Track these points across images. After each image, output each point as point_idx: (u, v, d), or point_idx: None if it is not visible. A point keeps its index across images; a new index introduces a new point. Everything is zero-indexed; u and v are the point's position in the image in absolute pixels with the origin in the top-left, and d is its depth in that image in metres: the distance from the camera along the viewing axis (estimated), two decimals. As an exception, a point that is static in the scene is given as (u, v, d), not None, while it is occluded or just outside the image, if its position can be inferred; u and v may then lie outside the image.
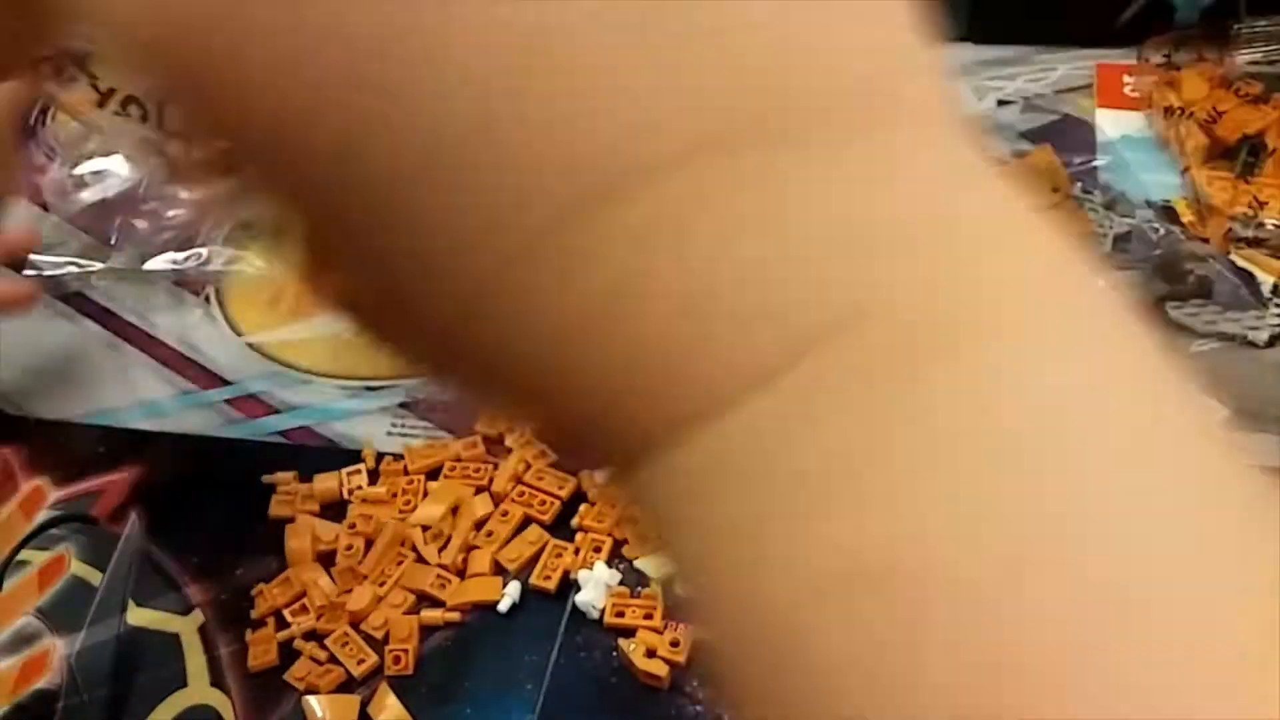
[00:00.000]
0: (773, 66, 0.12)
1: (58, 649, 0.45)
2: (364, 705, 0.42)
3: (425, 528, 0.46)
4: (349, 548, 0.46)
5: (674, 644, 0.42)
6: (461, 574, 0.45)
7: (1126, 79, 0.65)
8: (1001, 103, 0.66)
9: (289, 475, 0.49)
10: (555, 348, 0.12)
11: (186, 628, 0.45)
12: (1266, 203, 0.54)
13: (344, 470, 0.49)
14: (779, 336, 0.12)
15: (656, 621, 0.43)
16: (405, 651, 0.43)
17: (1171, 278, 0.52)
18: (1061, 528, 0.11)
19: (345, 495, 0.48)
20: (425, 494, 0.48)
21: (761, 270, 0.12)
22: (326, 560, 0.46)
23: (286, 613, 0.45)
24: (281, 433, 0.53)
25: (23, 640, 0.46)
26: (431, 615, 0.44)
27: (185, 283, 0.61)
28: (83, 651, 0.45)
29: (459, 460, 0.49)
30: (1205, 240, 0.54)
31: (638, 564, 0.44)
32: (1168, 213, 0.56)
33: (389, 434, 0.52)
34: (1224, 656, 0.11)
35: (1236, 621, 0.11)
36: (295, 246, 0.14)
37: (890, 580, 0.11)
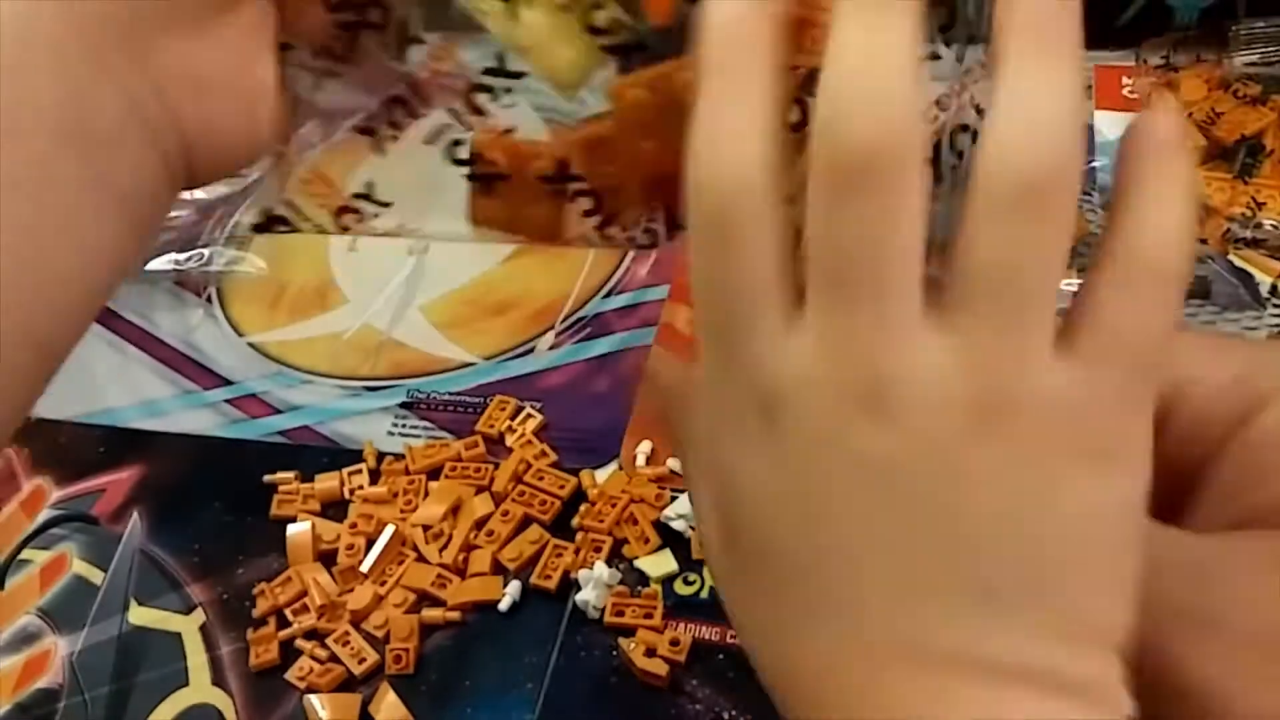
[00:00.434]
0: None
1: (59, 648, 0.45)
2: (365, 704, 0.42)
3: (426, 527, 0.47)
4: (350, 547, 0.46)
5: (674, 643, 0.42)
6: (462, 573, 0.45)
7: (1125, 80, 0.65)
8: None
9: (290, 475, 0.49)
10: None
11: (188, 627, 0.45)
12: (1265, 203, 0.54)
13: (345, 470, 0.49)
14: None
15: (656, 621, 0.43)
16: (406, 651, 0.43)
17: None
18: None
19: (346, 495, 0.49)
20: (426, 494, 0.48)
21: None
22: (327, 560, 0.46)
23: (287, 612, 0.45)
24: (282, 432, 0.53)
25: (24, 639, 0.46)
26: (432, 614, 0.44)
27: (187, 283, 0.61)
28: (84, 651, 0.45)
29: (459, 460, 0.49)
30: (1203, 241, 0.54)
31: (638, 564, 0.44)
32: (1166, 213, 0.56)
33: (389, 434, 0.52)
34: None
35: None
36: None
37: None
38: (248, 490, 0.49)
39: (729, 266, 0.19)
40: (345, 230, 0.28)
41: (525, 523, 0.47)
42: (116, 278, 0.25)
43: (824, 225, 0.19)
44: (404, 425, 0.52)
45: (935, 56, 0.24)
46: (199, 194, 0.66)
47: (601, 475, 0.48)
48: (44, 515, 0.50)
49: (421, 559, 0.46)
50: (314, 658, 0.43)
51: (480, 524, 0.47)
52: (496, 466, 0.49)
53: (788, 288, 0.19)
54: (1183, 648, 0.21)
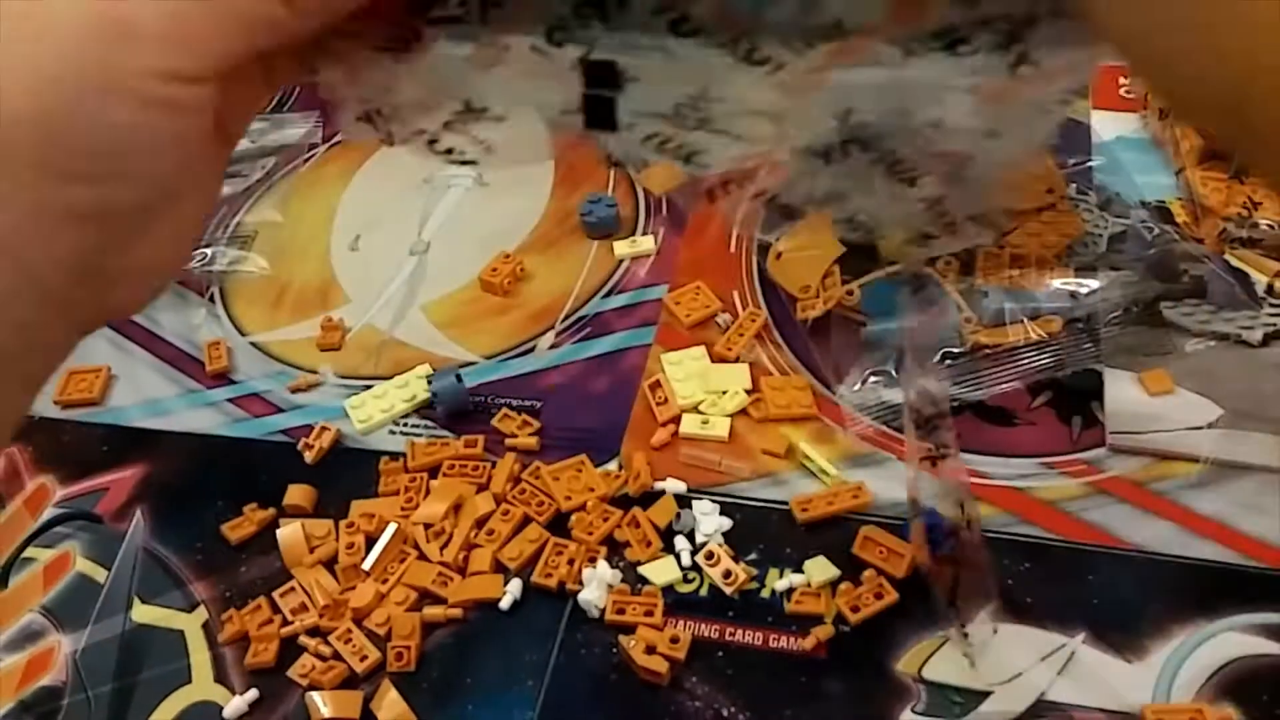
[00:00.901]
0: None
1: (63, 646, 0.45)
2: (366, 701, 0.42)
3: (427, 525, 0.47)
4: (350, 546, 0.47)
5: (674, 640, 0.42)
6: (463, 572, 0.46)
7: (1122, 80, 0.65)
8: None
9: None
10: None
11: (190, 624, 0.46)
12: (1260, 203, 0.54)
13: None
14: None
15: (656, 619, 0.43)
16: (408, 648, 0.43)
17: (1166, 277, 0.52)
18: None
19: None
20: (427, 492, 0.48)
21: None
22: (329, 558, 0.47)
23: (289, 610, 0.45)
24: (285, 431, 0.53)
25: (28, 637, 0.46)
26: (433, 612, 0.44)
27: (189, 282, 0.61)
28: (87, 648, 0.45)
29: (460, 459, 0.50)
30: (1200, 241, 0.54)
31: (641, 570, 0.45)
32: (1162, 213, 0.56)
33: (390, 432, 0.52)
34: None
35: None
36: None
37: None
38: (250, 488, 0.50)
39: None
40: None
41: (525, 521, 0.47)
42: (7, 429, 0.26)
43: None
44: (405, 424, 0.52)
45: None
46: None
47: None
48: (48, 513, 0.50)
49: (423, 557, 0.46)
50: (317, 655, 0.44)
51: (481, 522, 0.47)
52: (495, 465, 0.49)
53: None
54: None
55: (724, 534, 0.46)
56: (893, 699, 0.40)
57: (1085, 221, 0.56)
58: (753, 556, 0.45)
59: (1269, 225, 0.54)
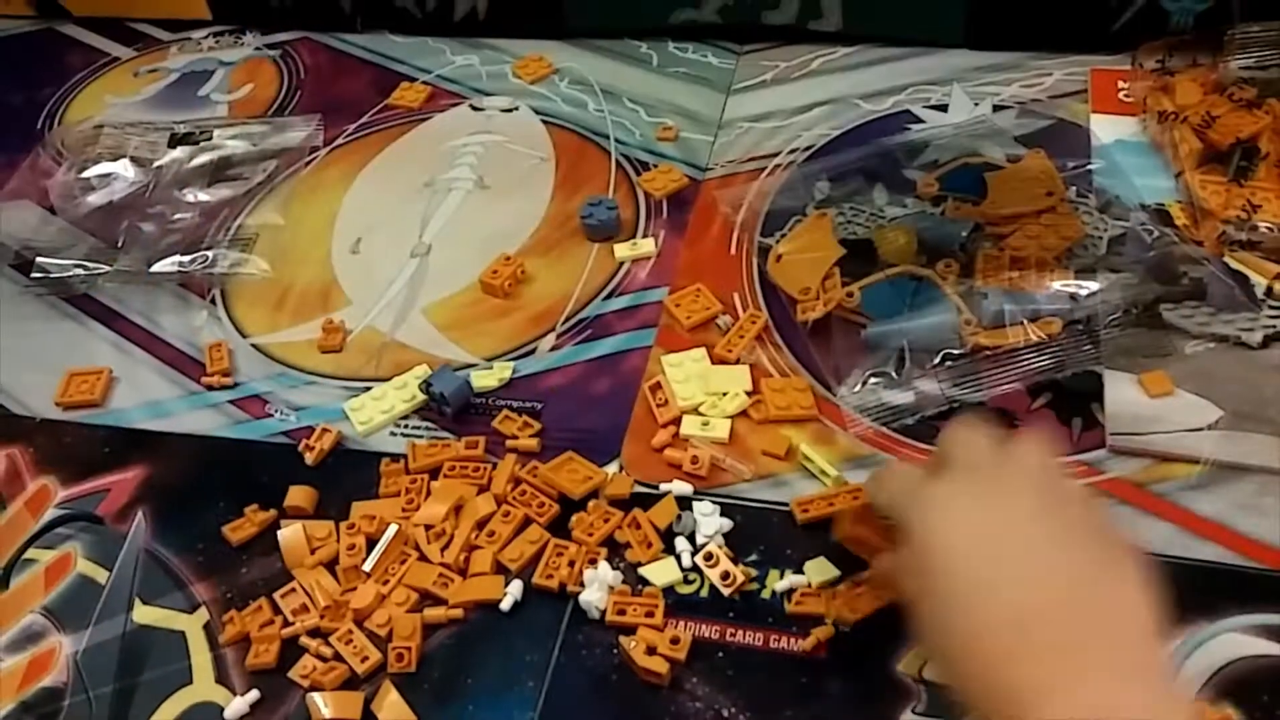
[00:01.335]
0: None
1: (64, 647, 0.45)
2: (367, 702, 0.42)
3: (428, 527, 0.47)
4: (351, 547, 0.47)
5: (674, 641, 0.42)
6: (463, 573, 0.46)
7: (1121, 84, 0.66)
8: (997, 108, 0.66)
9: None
10: None
11: (192, 625, 0.46)
12: (1260, 206, 0.54)
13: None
14: None
15: (657, 619, 0.43)
16: (408, 649, 0.43)
17: (1166, 280, 0.52)
18: None
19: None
20: (428, 493, 0.48)
21: None
22: (330, 560, 0.47)
23: (290, 611, 0.45)
24: (285, 433, 0.53)
25: (29, 638, 0.46)
26: (434, 613, 0.44)
27: (191, 285, 0.62)
28: (89, 649, 0.45)
29: (460, 460, 0.50)
30: (1199, 244, 0.54)
31: (641, 571, 0.45)
32: (1162, 216, 0.56)
33: (391, 434, 0.52)
34: None
35: None
36: None
37: None
38: (251, 489, 0.50)
39: None
40: None
41: (526, 522, 0.47)
42: None
43: None
44: (405, 425, 0.53)
45: None
46: (202, 196, 0.66)
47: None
48: (49, 515, 0.51)
49: (424, 558, 0.46)
50: (317, 656, 0.44)
51: (482, 524, 0.47)
52: (495, 466, 0.49)
53: None
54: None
55: (725, 535, 0.46)
56: (893, 699, 0.40)
57: (1085, 224, 0.56)
58: (753, 557, 0.45)
59: (1268, 228, 0.54)
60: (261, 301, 0.60)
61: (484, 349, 0.56)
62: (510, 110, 0.72)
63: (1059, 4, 0.68)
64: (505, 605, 0.44)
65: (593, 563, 0.45)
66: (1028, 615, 0.32)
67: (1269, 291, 0.52)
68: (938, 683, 0.41)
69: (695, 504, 0.47)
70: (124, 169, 0.67)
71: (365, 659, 0.43)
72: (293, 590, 0.46)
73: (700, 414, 0.51)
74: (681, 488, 0.48)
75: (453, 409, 0.52)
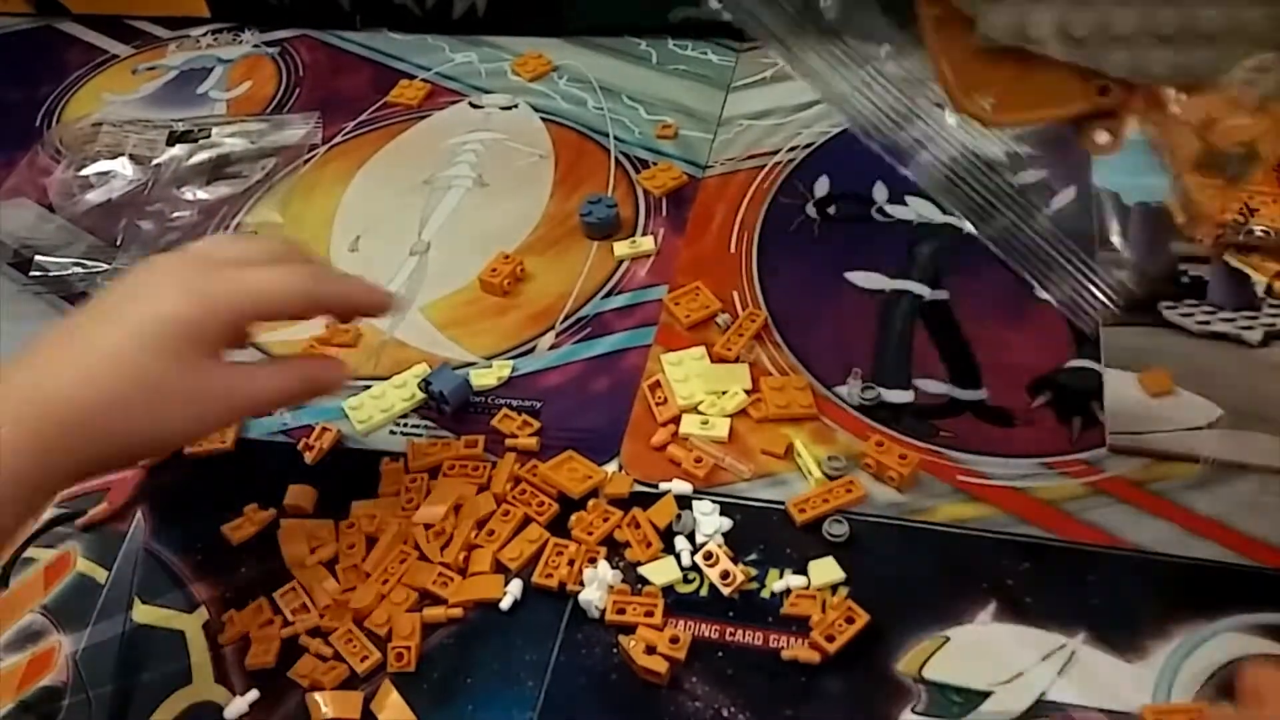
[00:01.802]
0: None
1: (63, 646, 0.45)
2: (367, 702, 0.42)
3: (428, 526, 0.47)
4: (351, 546, 0.47)
5: (673, 640, 0.42)
6: (463, 572, 0.46)
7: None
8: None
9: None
10: None
11: (191, 625, 0.46)
12: (1258, 209, 0.54)
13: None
14: None
15: (657, 619, 0.43)
16: (408, 649, 0.43)
17: (1165, 278, 0.52)
18: None
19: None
20: (427, 492, 0.48)
21: None
22: (329, 559, 0.47)
23: (289, 610, 0.45)
24: (285, 432, 0.53)
25: (28, 637, 0.46)
26: (434, 613, 0.44)
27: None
28: (88, 649, 0.45)
29: (460, 459, 0.50)
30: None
31: (641, 570, 0.45)
32: (1161, 214, 0.56)
33: (391, 432, 0.52)
34: None
35: None
36: None
37: None
38: (251, 489, 0.50)
39: None
40: None
41: (526, 521, 0.47)
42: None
43: None
44: (405, 424, 0.53)
45: None
46: (201, 194, 0.66)
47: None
48: (48, 514, 0.50)
49: (423, 558, 0.46)
50: (317, 655, 0.44)
51: (481, 523, 0.47)
52: (495, 465, 0.49)
53: None
54: None
55: (724, 534, 0.46)
56: (893, 699, 0.40)
57: (1085, 222, 0.56)
58: (753, 557, 0.45)
59: (1264, 232, 0.54)
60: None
61: (483, 347, 0.56)
62: (509, 108, 0.72)
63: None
64: (505, 604, 0.44)
65: (592, 562, 0.45)
66: None
67: (1269, 289, 0.52)
68: (938, 682, 0.41)
69: (695, 503, 0.47)
70: (122, 167, 0.67)
71: (365, 658, 0.43)
72: (292, 589, 0.46)
73: (700, 413, 0.51)
74: (681, 487, 0.48)
75: (452, 407, 0.52)
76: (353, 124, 0.72)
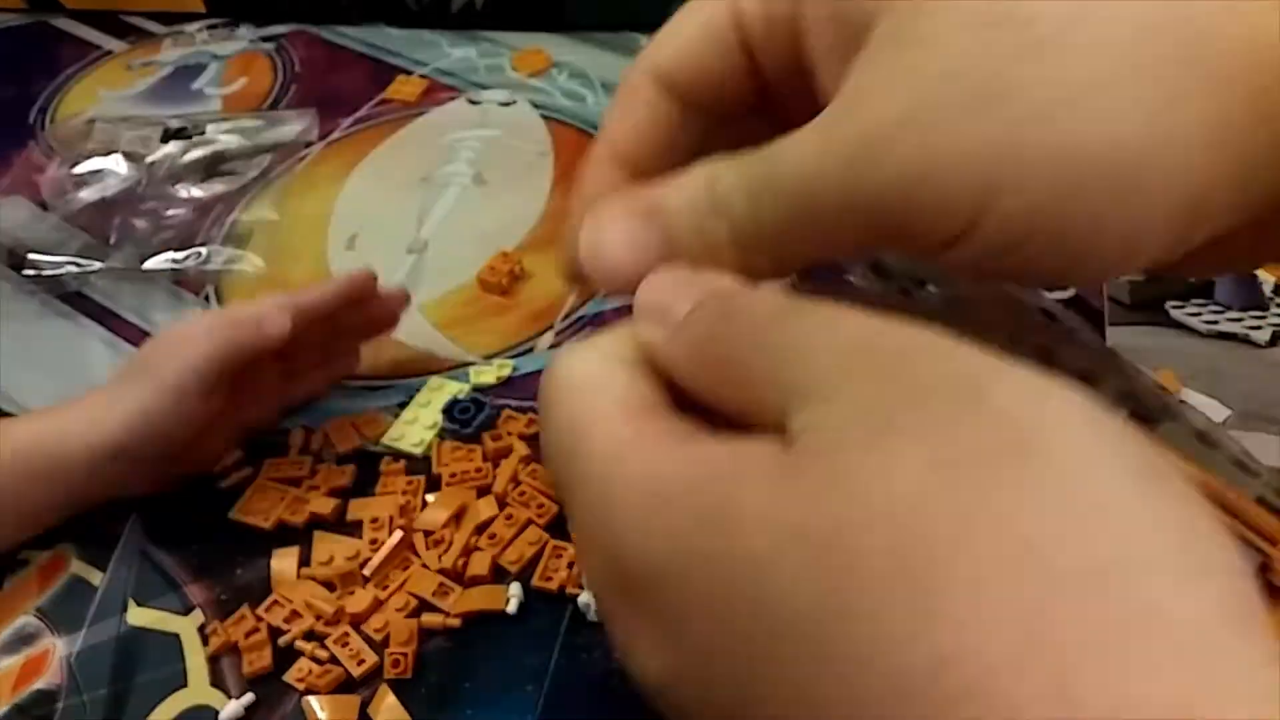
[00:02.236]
0: None
1: (58, 648, 0.45)
2: (364, 706, 0.42)
3: (428, 533, 0.46)
4: (350, 556, 0.46)
5: (675, 644, 0.41)
6: (461, 575, 0.45)
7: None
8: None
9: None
10: None
11: (186, 628, 0.45)
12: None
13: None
14: None
15: (657, 621, 0.43)
16: (404, 655, 0.43)
17: (1173, 277, 0.52)
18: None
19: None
20: (426, 492, 0.48)
21: None
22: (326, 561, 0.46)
23: (280, 620, 0.44)
24: (284, 432, 0.52)
25: (22, 640, 0.46)
26: (432, 619, 0.44)
27: (185, 282, 0.61)
28: (83, 651, 0.45)
29: (460, 459, 0.49)
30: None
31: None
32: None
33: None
34: None
35: None
36: None
37: None
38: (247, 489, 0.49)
39: None
40: None
41: (526, 524, 0.46)
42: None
43: None
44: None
45: None
46: (196, 191, 0.65)
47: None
48: (42, 516, 0.50)
49: (423, 565, 0.46)
50: (313, 659, 0.43)
51: (482, 528, 0.46)
52: (496, 466, 0.49)
53: None
54: None
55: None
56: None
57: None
58: (755, 559, 0.45)
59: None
60: (256, 298, 0.60)
61: (482, 346, 0.55)
62: (508, 104, 0.71)
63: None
64: (512, 608, 0.44)
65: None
66: None
67: (1277, 289, 0.52)
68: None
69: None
70: (116, 164, 0.67)
71: (361, 662, 0.43)
72: (276, 604, 0.45)
73: (701, 413, 0.50)
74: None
75: (472, 428, 0.51)
76: (350, 120, 0.71)
